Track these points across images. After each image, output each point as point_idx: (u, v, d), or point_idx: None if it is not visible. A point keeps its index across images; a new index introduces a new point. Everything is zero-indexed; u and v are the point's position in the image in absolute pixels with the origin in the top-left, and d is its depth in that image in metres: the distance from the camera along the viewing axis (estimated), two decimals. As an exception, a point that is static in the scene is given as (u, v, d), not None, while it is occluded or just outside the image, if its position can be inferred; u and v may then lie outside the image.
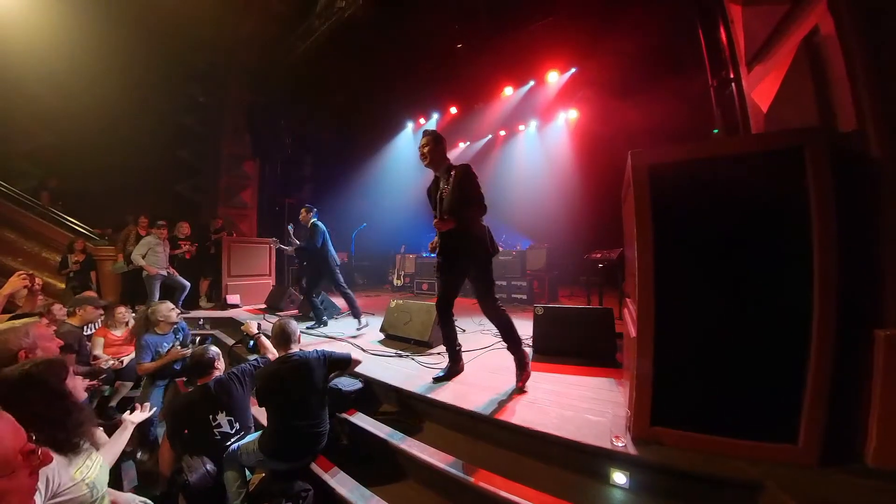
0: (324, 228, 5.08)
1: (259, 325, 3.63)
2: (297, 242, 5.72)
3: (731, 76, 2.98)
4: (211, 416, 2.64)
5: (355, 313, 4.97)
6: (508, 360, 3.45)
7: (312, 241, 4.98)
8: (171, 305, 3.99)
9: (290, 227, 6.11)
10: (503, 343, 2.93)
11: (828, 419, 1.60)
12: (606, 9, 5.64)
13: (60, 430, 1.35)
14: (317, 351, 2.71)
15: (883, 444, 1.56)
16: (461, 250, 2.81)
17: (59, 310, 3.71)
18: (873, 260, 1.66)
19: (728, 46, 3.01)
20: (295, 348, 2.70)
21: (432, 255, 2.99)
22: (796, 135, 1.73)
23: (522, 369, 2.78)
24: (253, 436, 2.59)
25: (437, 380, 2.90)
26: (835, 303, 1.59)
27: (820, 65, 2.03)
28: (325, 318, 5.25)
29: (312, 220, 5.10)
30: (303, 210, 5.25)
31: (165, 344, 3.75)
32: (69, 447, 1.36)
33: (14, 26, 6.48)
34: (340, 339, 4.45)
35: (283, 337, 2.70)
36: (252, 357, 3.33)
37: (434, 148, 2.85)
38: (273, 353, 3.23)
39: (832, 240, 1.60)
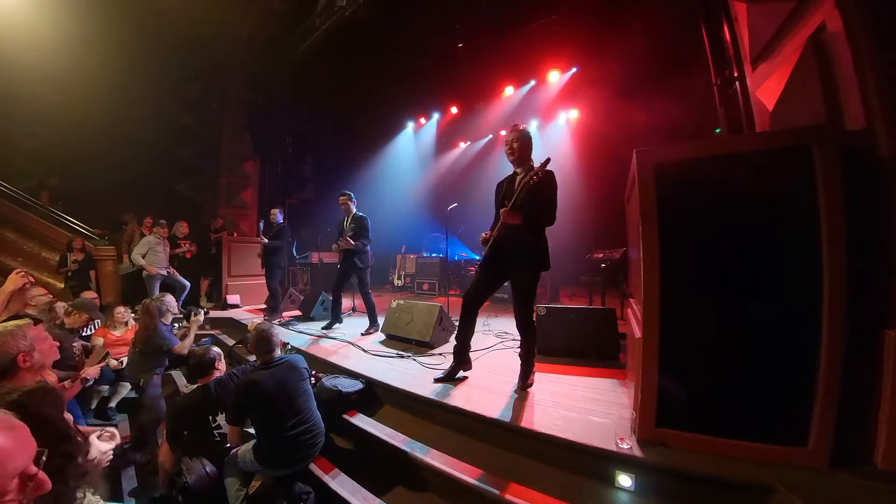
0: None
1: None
2: (266, 240, 5.73)
3: (735, 74, 2.96)
4: (211, 418, 2.62)
5: (373, 317, 4.82)
6: (510, 360, 3.44)
7: (365, 236, 4.65)
8: (173, 297, 4.09)
9: (261, 225, 6.12)
10: (518, 349, 2.89)
11: (837, 421, 1.58)
12: (608, 7, 5.62)
13: (61, 481, 0.96)
14: (302, 361, 2.60)
15: (892, 445, 1.54)
16: (517, 251, 2.74)
17: (60, 306, 3.68)
18: (883, 259, 1.64)
19: (732, 44, 2.99)
20: (278, 353, 2.57)
21: (480, 242, 2.92)
22: (804, 133, 1.71)
23: (525, 379, 2.75)
24: (248, 444, 2.50)
25: (438, 380, 2.88)
26: (844, 303, 1.57)
27: (827, 62, 2.01)
28: (341, 316, 5.16)
29: (358, 212, 4.79)
30: (343, 197, 4.87)
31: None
32: (67, 501, 1.01)
33: (14, 25, 6.47)
34: (345, 341, 4.41)
35: (264, 347, 2.51)
36: (253, 358, 3.31)
37: (523, 144, 2.80)
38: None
39: (841, 239, 1.58)
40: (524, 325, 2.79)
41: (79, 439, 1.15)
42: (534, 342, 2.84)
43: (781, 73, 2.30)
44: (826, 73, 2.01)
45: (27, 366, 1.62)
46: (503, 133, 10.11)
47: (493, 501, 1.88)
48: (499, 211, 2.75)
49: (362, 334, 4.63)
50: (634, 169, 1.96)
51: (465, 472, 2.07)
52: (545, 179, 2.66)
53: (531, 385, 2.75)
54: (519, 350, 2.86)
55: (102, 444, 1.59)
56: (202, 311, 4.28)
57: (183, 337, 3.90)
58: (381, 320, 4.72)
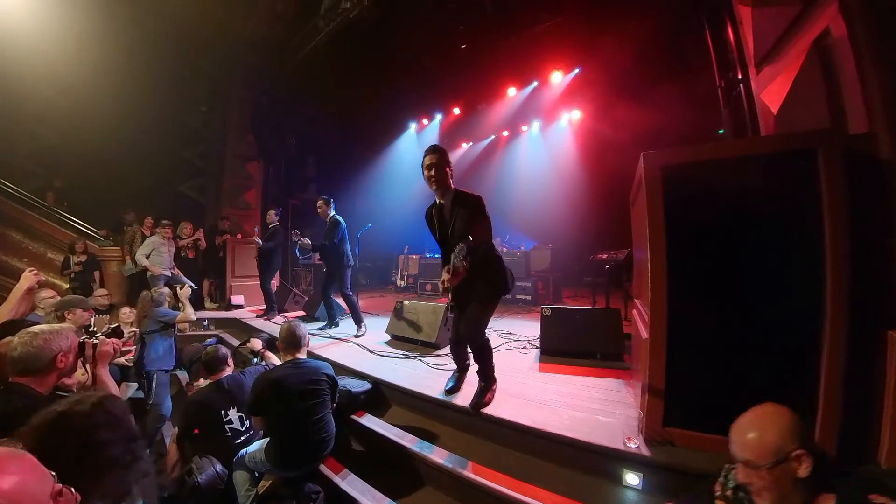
0: (344, 225, 4.77)
1: (263, 344, 3.71)
2: (260, 242, 5.76)
3: (739, 77, 2.99)
4: (223, 412, 2.67)
5: (356, 318, 4.76)
6: (515, 360, 3.47)
7: (330, 237, 4.68)
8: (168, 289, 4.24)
9: (256, 229, 6.15)
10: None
11: (842, 420, 1.60)
12: (611, 9, 5.64)
13: (127, 478, 1.07)
14: (328, 370, 2.57)
15: (895, 445, 1.56)
16: (474, 290, 2.52)
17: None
18: (885, 261, 1.66)
19: (736, 47, 3.01)
20: (303, 354, 2.62)
21: (440, 289, 2.75)
22: (810, 137, 1.73)
23: (481, 396, 2.51)
24: (258, 444, 2.52)
25: (449, 391, 2.74)
26: (847, 304, 1.59)
27: (831, 67, 2.04)
28: (337, 319, 5.17)
29: (332, 215, 4.82)
30: (320, 202, 4.88)
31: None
32: (124, 499, 1.09)
33: (19, 28, 6.49)
34: (346, 341, 4.44)
35: (291, 340, 2.58)
36: (262, 364, 3.35)
37: (444, 170, 2.52)
38: (277, 362, 3.28)
39: (844, 242, 1.60)
40: (476, 341, 2.57)
41: (142, 443, 1.22)
42: (489, 357, 2.61)
43: (786, 77, 2.33)
44: (830, 78, 2.04)
45: (62, 367, 1.66)
46: (505, 134, 10.17)
47: (502, 499, 1.91)
48: (442, 248, 2.68)
49: (355, 335, 4.58)
50: (641, 171, 1.99)
51: (473, 471, 2.10)
52: (473, 211, 2.45)
53: (487, 404, 2.48)
54: (477, 369, 2.67)
55: None
56: (186, 284, 4.33)
57: (182, 309, 4.00)
58: (380, 322, 4.75)
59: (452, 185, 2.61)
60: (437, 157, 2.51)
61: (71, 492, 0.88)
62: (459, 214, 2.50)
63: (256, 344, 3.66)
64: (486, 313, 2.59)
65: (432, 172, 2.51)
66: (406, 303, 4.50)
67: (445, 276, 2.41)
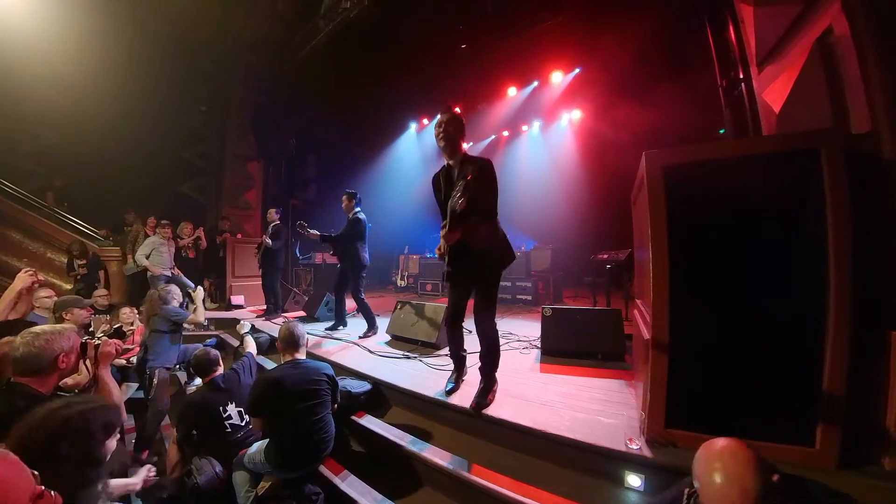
0: (365, 224, 4.62)
1: (252, 326, 3.74)
2: (269, 240, 5.72)
3: (741, 76, 2.97)
4: (221, 408, 2.68)
5: (370, 321, 4.66)
6: (517, 360, 3.46)
7: (348, 233, 4.54)
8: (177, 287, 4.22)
9: (268, 229, 6.14)
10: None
11: (845, 421, 1.59)
12: (612, 8, 5.63)
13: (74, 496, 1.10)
14: (328, 370, 2.58)
15: (900, 447, 1.55)
16: (471, 258, 2.47)
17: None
18: (888, 261, 1.65)
19: (738, 46, 3.00)
20: (302, 354, 2.61)
21: (437, 256, 2.70)
22: (812, 136, 1.72)
23: (484, 396, 2.49)
24: (258, 445, 2.52)
25: (449, 392, 2.71)
26: (850, 304, 1.58)
27: (833, 66, 2.03)
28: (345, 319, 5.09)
29: (355, 212, 4.67)
30: (344, 197, 4.74)
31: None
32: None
33: (19, 28, 6.49)
34: (350, 342, 4.41)
35: (290, 340, 2.58)
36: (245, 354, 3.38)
37: (456, 131, 2.49)
38: (252, 348, 3.43)
39: (847, 241, 1.59)
40: (487, 333, 2.55)
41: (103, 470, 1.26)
42: (497, 352, 2.61)
43: (788, 76, 2.31)
44: (832, 77, 2.03)
45: (63, 367, 1.66)
46: (506, 134, 10.17)
47: (502, 501, 1.90)
48: (444, 211, 2.51)
49: (360, 337, 4.49)
50: (643, 171, 1.98)
51: (473, 473, 2.08)
52: (479, 176, 2.31)
53: (488, 405, 2.45)
54: (480, 366, 2.64)
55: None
56: (199, 287, 4.36)
57: (194, 311, 4.02)
58: (380, 322, 4.71)
59: (463, 149, 2.58)
60: (451, 117, 2.52)
61: (51, 495, 0.90)
62: (466, 173, 2.36)
63: (244, 327, 3.71)
64: (492, 295, 2.57)
65: (446, 128, 2.49)
66: (406, 303, 4.48)
67: (443, 242, 2.39)
